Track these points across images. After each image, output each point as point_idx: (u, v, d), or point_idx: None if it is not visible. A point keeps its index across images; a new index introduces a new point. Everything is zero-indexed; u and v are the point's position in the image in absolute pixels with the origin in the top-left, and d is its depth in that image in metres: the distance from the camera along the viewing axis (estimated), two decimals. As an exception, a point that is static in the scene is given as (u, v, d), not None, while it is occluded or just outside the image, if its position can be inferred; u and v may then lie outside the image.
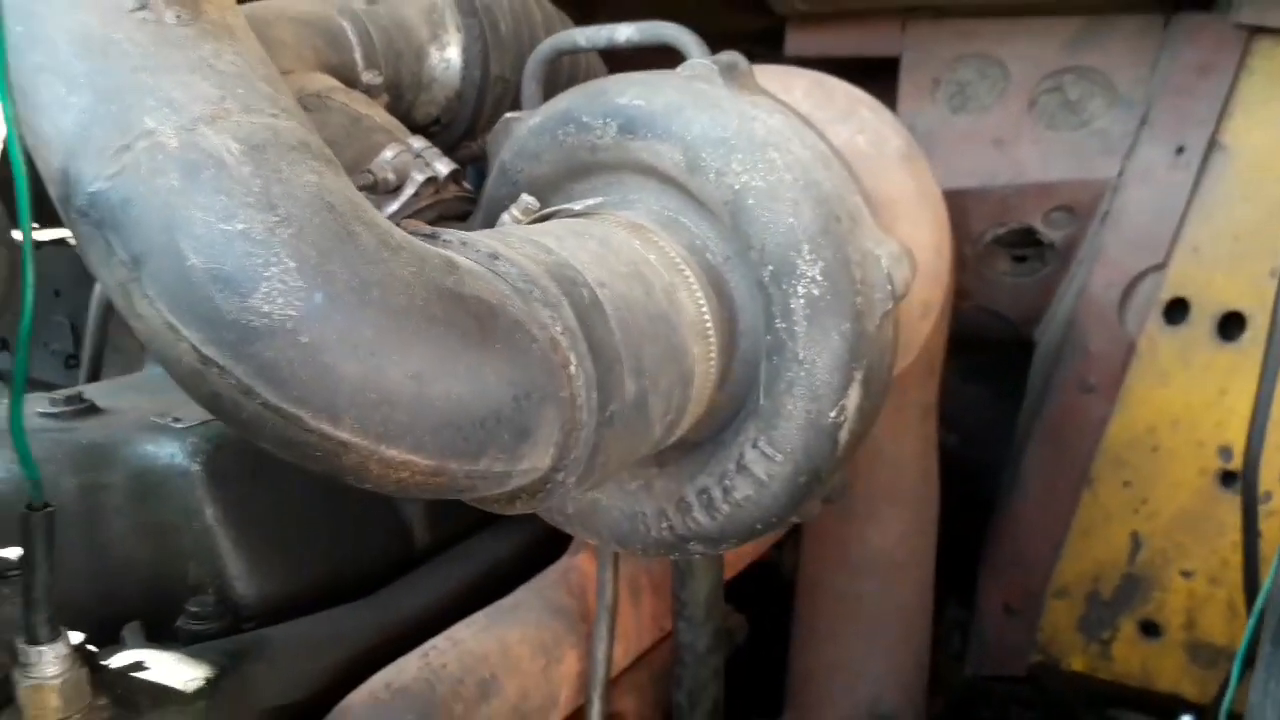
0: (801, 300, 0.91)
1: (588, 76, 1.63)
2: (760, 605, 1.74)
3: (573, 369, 0.78)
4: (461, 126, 1.51)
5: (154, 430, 1.25)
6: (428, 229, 0.81)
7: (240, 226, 0.67)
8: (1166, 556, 1.65)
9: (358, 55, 1.33)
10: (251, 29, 1.29)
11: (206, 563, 1.23)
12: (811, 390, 0.93)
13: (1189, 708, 1.64)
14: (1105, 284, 1.75)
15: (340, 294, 0.67)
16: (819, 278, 0.91)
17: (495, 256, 0.79)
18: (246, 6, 1.29)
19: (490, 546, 1.44)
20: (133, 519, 1.22)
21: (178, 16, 0.75)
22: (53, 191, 0.75)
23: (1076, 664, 1.73)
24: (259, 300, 0.66)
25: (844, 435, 0.96)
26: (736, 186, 0.92)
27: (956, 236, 1.92)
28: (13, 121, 0.74)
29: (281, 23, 1.26)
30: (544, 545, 1.45)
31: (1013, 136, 1.89)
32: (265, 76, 0.78)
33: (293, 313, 0.66)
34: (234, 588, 1.23)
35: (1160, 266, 1.71)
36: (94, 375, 1.76)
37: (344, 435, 0.69)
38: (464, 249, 0.80)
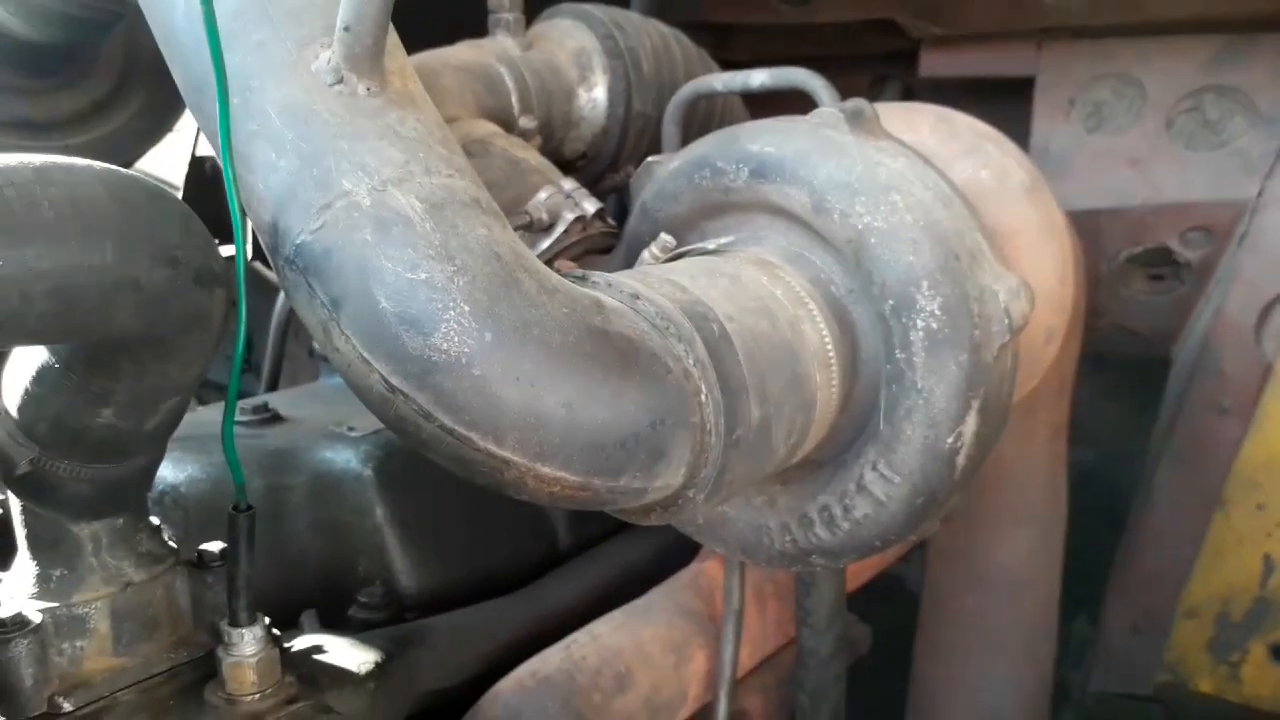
0: (921, 333, 0.98)
1: (725, 113, 1.72)
2: (886, 619, 1.79)
3: (703, 397, 0.87)
4: (606, 160, 1.62)
5: (332, 438, 1.40)
6: (579, 272, 0.92)
7: (424, 275, 0.78)
8: (1301, 581, 1.63)
9: (514, 99, 1.45)
10: (420, 79, 1.44)
11: (375, 558, 1.37)
12: (929, 417, 1.00)
13: (1321, 734, 1.62)
14: (1242, 305, 1.74)
15: (506, 333, 0.78)
16: (938, 312, 0.97)
17: (636, 296, 0.89)
18: (416, 57, 1.43)
19: (626, 550, 1.54)
20: (311, 517, 1.38)
21: (368, 89, 0.87)
22: (263, 241, 0.88)
23: (1204, 685, 1.72)
24: (439, 339, 0.77)
25: (961, 460, 1.02)
26: (860, 227, 0.99)
27: (1092, 256, 1.93)
28: (232, 181, 0.87)
29: (447, 72, 1.39)
30: (675, 551, 1.54)
31: (1149, 156, 1.89)
32: (442, 140, 0.89)
33: (467, 350, 0.77)
34: (399, 581, 1.37)
35: (1300, 288, 1.69)
36: (273, 383, 1.94)
37: (507, 454, 0.79)
38: (609, 290, 0.90)
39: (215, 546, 1.08)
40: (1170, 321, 1.93)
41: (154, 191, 0.87)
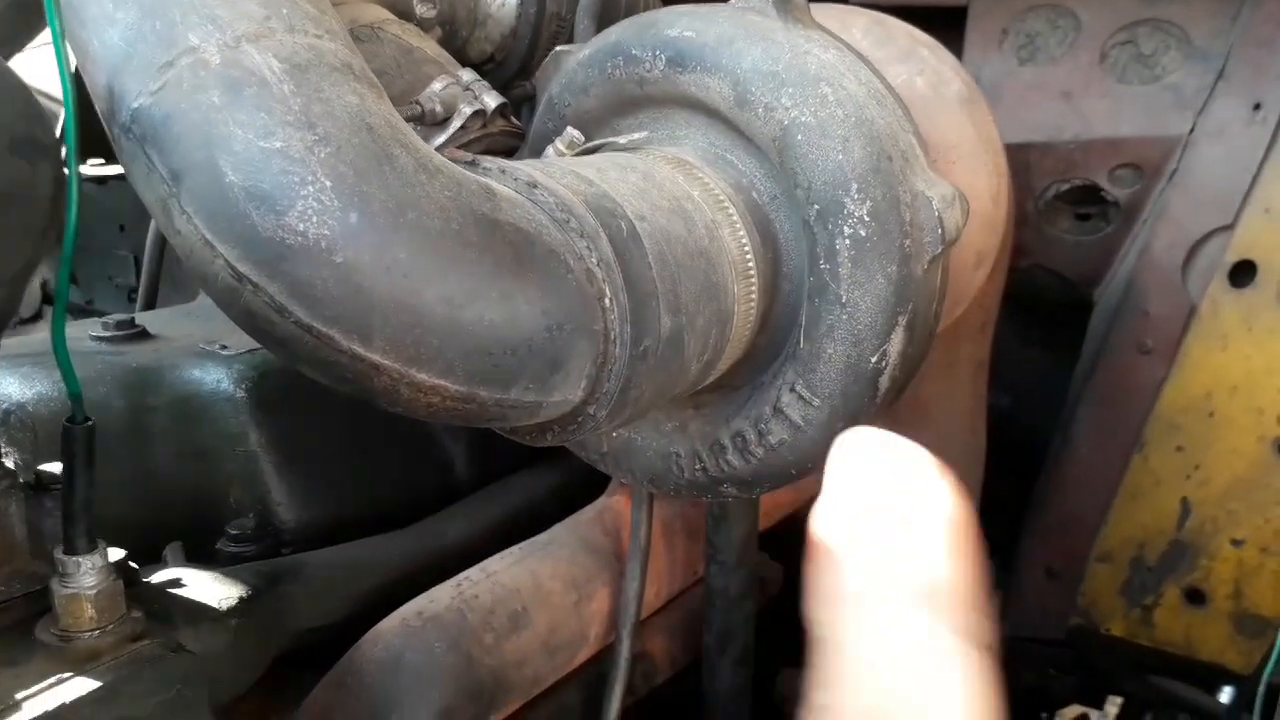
0: (847, 241, 0.89)
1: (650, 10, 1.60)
2: (799, 559, 1.73)
3: (607, 301, 0.78)
4: (515, 64, 1.49)
5: (201, 356, 1.27)
6: (468, 156, 0.81)
7: (278, 144, 0.67)
8: (1217, 524, 1.60)
9: (412, -13, 1.32)
10: (306, -44, 1.28)
11: (249, 487, 1.25)
12: (853, 334, 0.91)
13: (1231, 678, 1.61)
14: (1169, 244, 1.70)
15: (375, 214, 0.67)
16: (866, 218, 0.88)
17: (534, 185, 0.78)
18: (302, -66, 1.28)
19: (529, 484, 1.45)
20: (178, 442, 1.25)
21: (228, -72, 0.74)
22: (99, 108, 0.75)
23: (1117, 629, 1.70)
24: (294, 218, 0.66)
25: (884, 381, 0.94)
26: (785, 122, 0.90)
27: (1019, 192, 1.87)
28: (59, 36, 0.74)
29: (335, -50, 1.25)
30: (582, 486, 1.45)
31: (1081, 90, 1.82)
32: (312, -1, 0.77)
33: (327, 232, 0.66)
34: (275, 513, 1.25)
35: (1228, 227, 1.65)
36: (149, 305, 1.79)
37: (375, 357, 0.69)
38: (503, 177, 0.79)
39: (58, 467, 0.96)
40: (1095, 264, 1.89)
41: None
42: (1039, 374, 2.17)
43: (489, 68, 1.51)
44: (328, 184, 0.67)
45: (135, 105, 0.69)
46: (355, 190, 0.67)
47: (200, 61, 0.69)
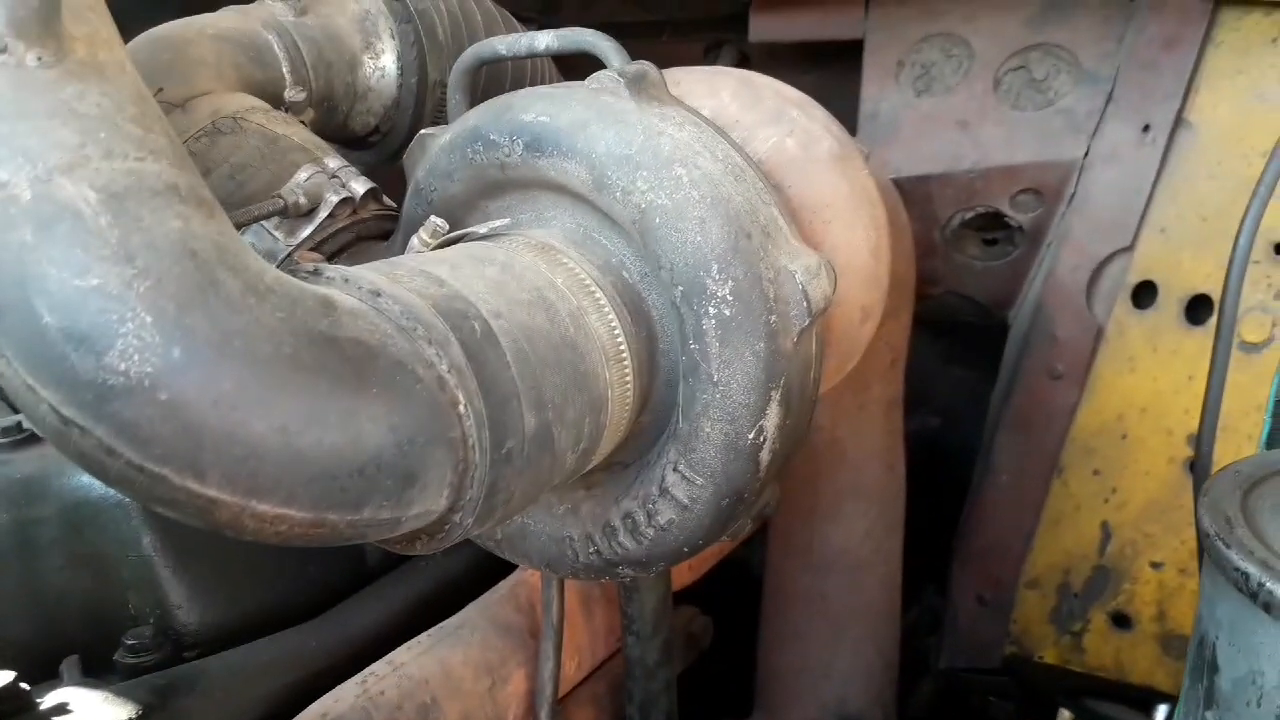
0: (713, 321, 0.88)
1: (537, 81, 1.60)
2: (729, 606, 1.72)
3: (462, 408, 0.76)
4: (401, 135, 1.48)
5: (87, 461, 1.23)
6: (310, 266, 0.79)
7: (95, 282, 0.64)
8: (1136, 547, 1.61)
9: (285, 70, 1.30)
10: (171, 48, 1.26)
11: (146, 593, 1.21)
12: (728, 412, 0.90)
13: (1163, 699, 1.61)
14: (1072, 268, 1.71)
15: (199, 347, 0.65)
16: (729, 297, 0.87)
17: (378, 294, 0.76)
18: (165, 26, 1.26)
19: (442, 563, 1.42)
20: (69, 552, 1.21)
21: (39, 59, 0.72)
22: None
23: (1049, 656, 1.70)
24: (115, 358, 0.64)
25: (765, 455, 0.93)
26: (643, 205, 0.89)
27: (924, 222, 1.88)
28: None
29: (202, 41, 1.23)
30: (498, 560, 1.42)
31: (978, 118, 1.84)
32: (133, 116, 0.75)
33: (149, 369, 0.64)
34: (175, 616, 1.21)
35: (1128, 249, 1.67)
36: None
37: (212, 492, 0.66)
38: (346, 285, 0.77)
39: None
40: (1005, 287, 1.90)
41: None
42: (966, 394, 2.18)
43: (374, 140, 1.49)
44: (148, 319, 0.64)
45: None
46: (177, 324, 0.65)
47: (10, 198, 0.66)
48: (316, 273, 0.78)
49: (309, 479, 0.69)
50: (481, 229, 0.96)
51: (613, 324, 0.92)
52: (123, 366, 0.64)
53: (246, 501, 0.67)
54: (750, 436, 0.91)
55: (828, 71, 2.14)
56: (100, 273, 0.65)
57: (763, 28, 2.07)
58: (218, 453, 0.66)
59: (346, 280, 0.77)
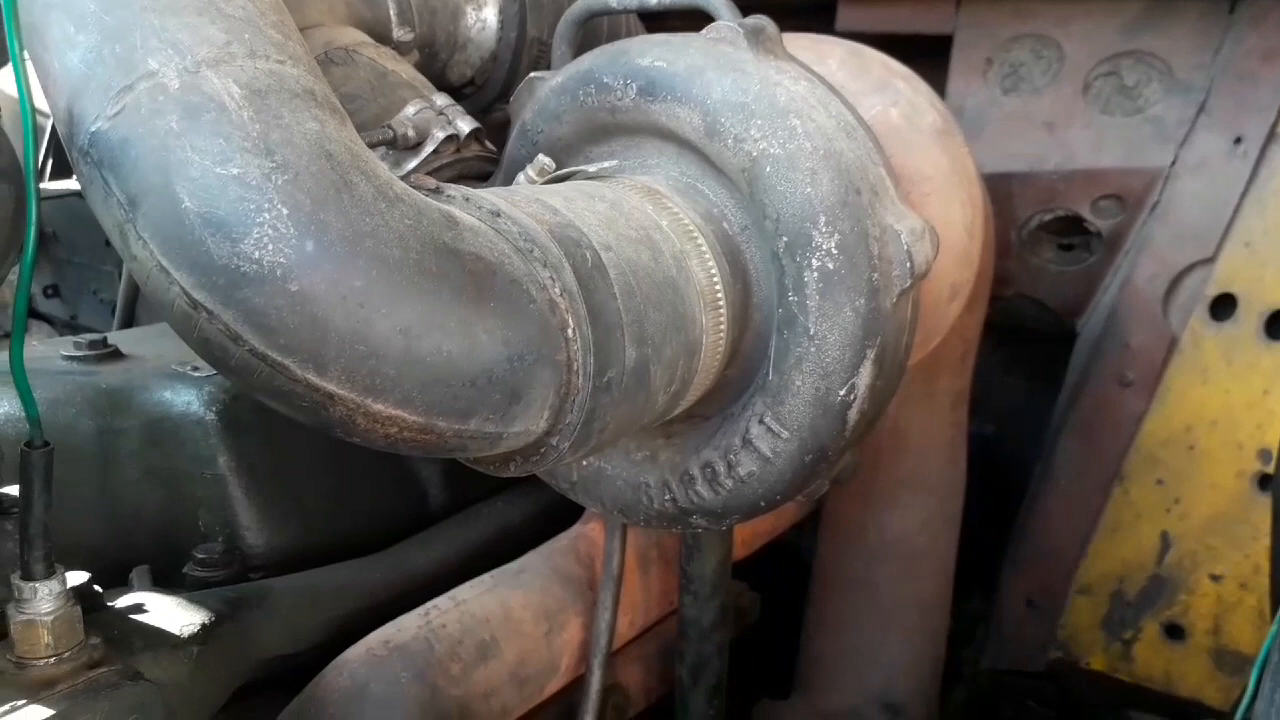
0: (815, 273, 0.89)
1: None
2: (777, 587, 1.72)
3: (570, 332, 0.77)
4: (496, 89, 1.49)
5: (172, 377, 1.26)
6: (432, 183, 0.80)
7: (235, 171, 0.66)
8: (1196, 559, 1.60)
9: (392, 11, 1.31)
10: (284, -20, 1.28)
11: (217, 511, 1.23)
12: (821, 367, 0.91)
13: (1211, 714, 1.59)
14: (1150, 276, 1.70)
15: (332, 243, 0.66)
16: (834, 251, 0.88)
17: (497, 214, 0.78)
18: (280, -43, 1.28)
19: (503, 511, 1.43)
20: (146, 464, 1.24)
21: (188, -42, 0.74)
22: (60, 130, 0.75)
23: (1096, 663, 1.69)
24: (250, 246, 0.65)
25: (853, 415, 0.93)
26: (754, 153, 0.89)
27: (1001, 222, 1.88)
28: (19, 61, 0.74)
29: (315, -26, 1.25)
30: (557, 513, 1.44)
31: (1064, 120, 1.83)
32: (275, 23, 0.77)
33: (283, 260, 0.65)
34: (243, 537, 1.24)
35: (1209, 260, 1.65)
36: (127, 323, 1.77)
37: (330, 387, 0.68)
38: (466, 204, 0.78)
39: (17, 490, 0.94)
40: (1078, 294, 1.89)
41: None
42: (1024, 403, 2.16)
43: (469, 91, 1.51)
44: (284, 211, 0.66)
45: (93, 129, 0.69)
46: (312, 218, 0.66)
47: (159, 86, 0.68)
48: (438, 191, 0.80)
49: (425, 383, 0.70)
50: (590, 169, 0.97)
51: (712, 271, 0.92)
52: (257, 254, 0.65)
53: (363, 399, 0.69)
54: (841, 393, 0.91)
55: (909, 65, 2.14)
56: (241, 163, 0.66)
57: (851, 18, 2.06)
58: (341, 348, 0.67)
59: (468, 199, 0.79)
